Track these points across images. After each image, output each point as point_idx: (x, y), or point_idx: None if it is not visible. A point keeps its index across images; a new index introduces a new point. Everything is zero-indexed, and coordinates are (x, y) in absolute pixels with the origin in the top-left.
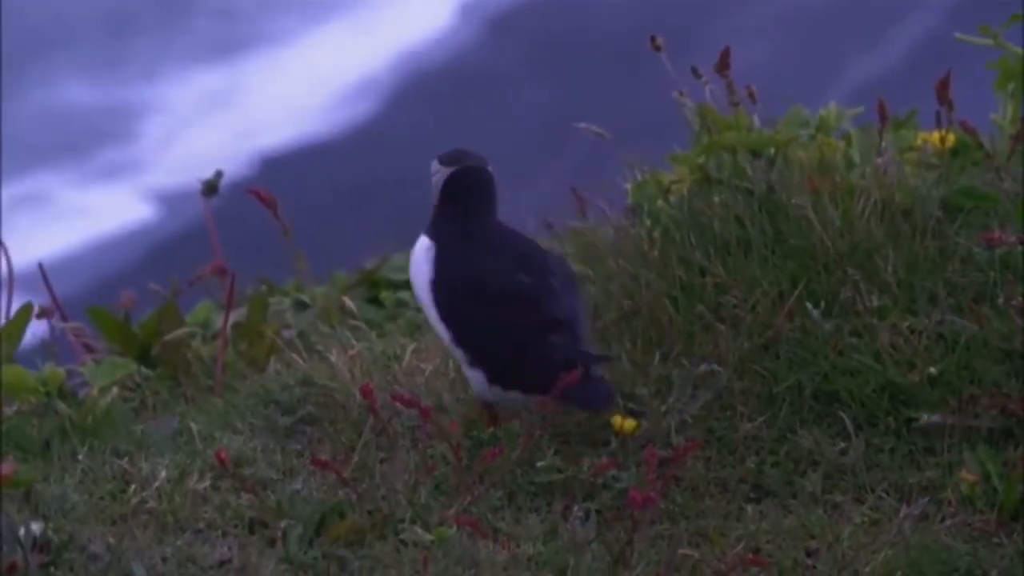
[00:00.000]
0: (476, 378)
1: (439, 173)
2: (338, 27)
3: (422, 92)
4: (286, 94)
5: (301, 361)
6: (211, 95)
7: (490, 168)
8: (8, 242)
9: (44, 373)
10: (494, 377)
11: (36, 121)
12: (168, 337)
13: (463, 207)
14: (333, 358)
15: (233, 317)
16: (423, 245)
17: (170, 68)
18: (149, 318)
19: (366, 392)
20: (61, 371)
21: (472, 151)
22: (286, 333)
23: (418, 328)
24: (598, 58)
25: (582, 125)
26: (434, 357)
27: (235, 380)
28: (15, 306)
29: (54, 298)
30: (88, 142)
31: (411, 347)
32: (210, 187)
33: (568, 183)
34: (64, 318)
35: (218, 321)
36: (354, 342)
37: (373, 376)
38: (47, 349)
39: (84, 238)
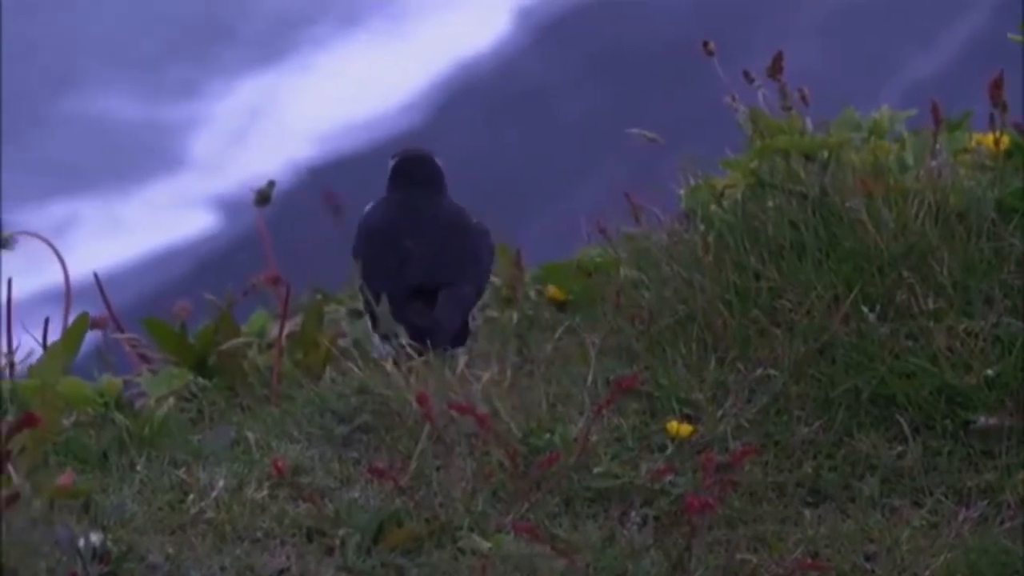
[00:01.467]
0: (365, 321)
1: (391, 163)
2: (391, 36)
3: (475, 99)
4: (337, 103)
5: (357, 369)
6: (259, 105)
7: (436, 159)
8: (64, 256)
9: (101, 384)
10: (373, 325)
11: (87, 136)
12: (224, 347)
13: (402, 184)
14: (388, 366)
15: (288, 326)
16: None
17: (217, 79)
18: (205, 328)
19: (422, 400)
20: (118, 381)
21: (423, 148)
22: (341, 341)
23: (471, 335)
24: (650, 63)
25: (635, 131)
26: (489, 365)
27: (291, 389)
28: (71, 319)
29: (109, 309)
30: (138, 155)
31: (465, 355)
32: (263, 197)
33: (621, 188)
34: (120, 328)
35: (274, 330)
36: (409, 350)
37: (428, 384)
38: (103, 360)
39: (138, 250)
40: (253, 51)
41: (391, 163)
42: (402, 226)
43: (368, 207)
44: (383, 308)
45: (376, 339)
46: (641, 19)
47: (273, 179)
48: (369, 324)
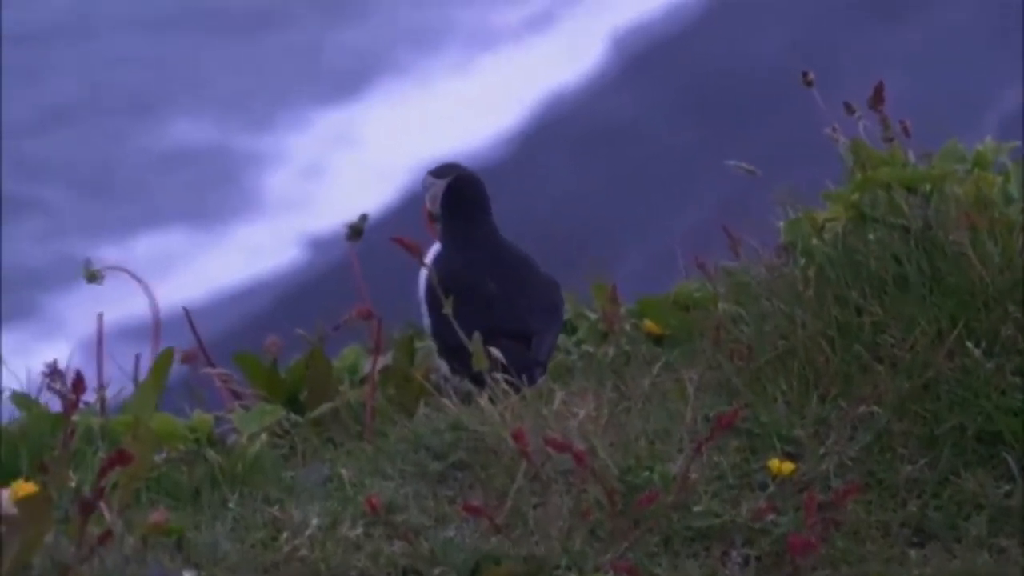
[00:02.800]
0: (441, 365)
1: (436, 186)
2: (479, 67)
3: (567, 130)
4: (422, 136)
5: (451, 405)
6: (342, 138)
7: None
8: (151, 288)
9: (193, 420)
10: (453, 368)
11: (170, 169)
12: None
13: (463, 214)
14: (483, 402)
15: (381, 361)
16: (434, 251)
17: (301, 111)
18: (296, 364)
19: (518, 436)
20: (209, 418)
21: (460, 163)
22: (434, 376)
23: (568, 371)
24: (745, 92)
25: (732, 162)
26: (585, 401)
27: (385, 425)
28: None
29: (200, 343)
30: (222, 188)
31: (561, 391)
32: (355, 231)
33: (718, 221)
34: (210, 364)
35: (366, 365)
36: (504, 385)
37: (524, 420)
38: (194, 395)
39: (223, 284)
40: (335, 83)
41: (441, 184)
42: (488, 270)
43: (435, 249)
44: (476, 344)
45: (456, 381)
46: (736, 48)
47: (366, 213)
48: (446, 367)
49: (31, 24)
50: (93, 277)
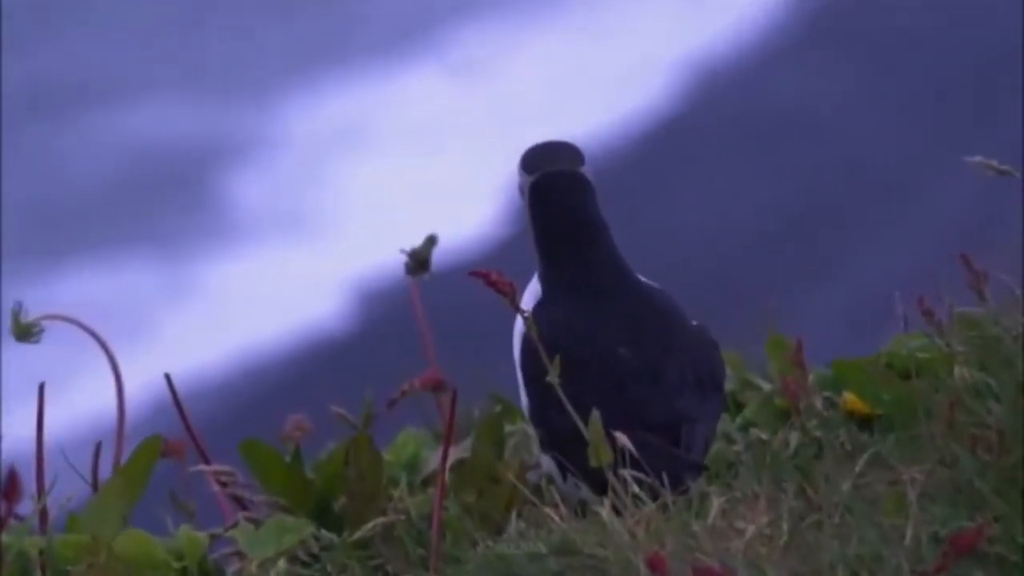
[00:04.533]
0: (544, 461)
1: (521, 179)
2: (598, 21)
3: (723, 114)
4: (508, 128)
5: (557, 518)
6: (385, 122)
7: (584, 171)
8: (112, 348)
9: (178, 540)
10: (562, 465)
11: (128, 172)
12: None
13: (566, 236)
14: (604, 513)
15: (454, 453)
16: (531, 294)
17: (319, 89)
18: (330, 457)
19: (656, 564)
20: (202, 537)
21: (564, 145)
22: (531, 476)
23: (730, 467)
24: (983, 61)
25: (976, 159)
26: (756, 511)
27: (460, 548)
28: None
29: (189, 428)
30: (204, 200)
31: (720, 496)
32: (419, 261)
33: (951, 247)
34: (204, 457)
35: (432, 459)
36: (635, 487)
37: (665, 540)
38: (179, 504)
39: (218, 340)
40: (374, 47)
41: (527, 179)
42: (608, 327)
43: (535, 294)
44: (595, 429)
45: (566, 484)
46: (963, 7)
47: (433, 234)
48: (552, 463)
49: None
50: (25, 333)
